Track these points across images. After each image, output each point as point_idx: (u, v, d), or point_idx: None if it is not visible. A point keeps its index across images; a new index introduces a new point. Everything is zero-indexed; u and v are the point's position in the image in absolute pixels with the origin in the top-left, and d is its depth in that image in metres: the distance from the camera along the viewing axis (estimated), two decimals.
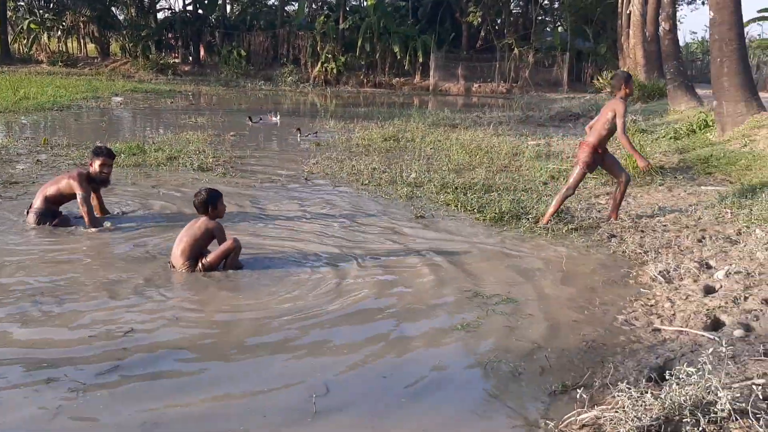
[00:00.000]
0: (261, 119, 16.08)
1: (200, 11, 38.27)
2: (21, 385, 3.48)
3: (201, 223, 5.51)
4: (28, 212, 6.43)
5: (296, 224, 6.89)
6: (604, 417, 3.18)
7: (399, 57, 33.97)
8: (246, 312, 4.62)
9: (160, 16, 40.52)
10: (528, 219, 7.15)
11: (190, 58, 38.20)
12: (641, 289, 5.19)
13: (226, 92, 27.14)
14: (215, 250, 5.45)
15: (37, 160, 9.77)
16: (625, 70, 24.99)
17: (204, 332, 4.26)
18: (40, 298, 4.62)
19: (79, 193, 6.32)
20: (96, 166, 6.52)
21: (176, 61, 37.80)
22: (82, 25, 38.12)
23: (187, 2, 39.54)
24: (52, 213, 6.41)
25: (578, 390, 3.41)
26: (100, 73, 33.44)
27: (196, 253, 5.42)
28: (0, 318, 4.30)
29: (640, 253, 6.07)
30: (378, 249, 6.12)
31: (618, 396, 3.32)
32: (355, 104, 24.26)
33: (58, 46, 39.26)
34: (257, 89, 29.49)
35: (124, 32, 37.79)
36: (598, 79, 27.13)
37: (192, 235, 5.42)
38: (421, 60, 33.90)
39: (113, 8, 39.32)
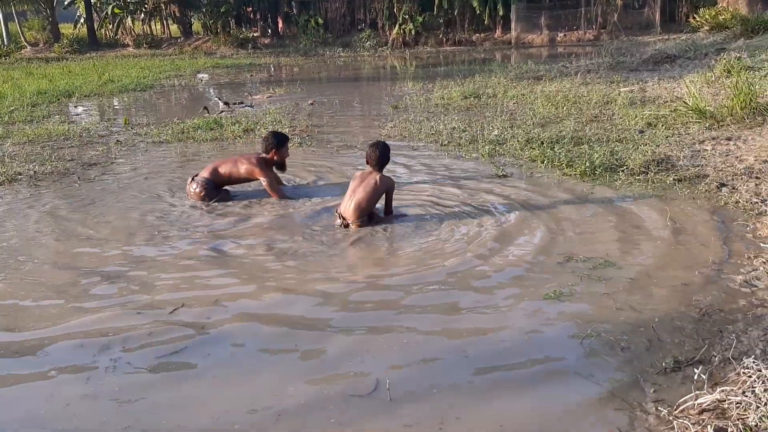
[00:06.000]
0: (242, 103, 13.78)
1: None
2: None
3: (376, 178, 5.39)
4: (192, 180, 6.37)
5: None
6: (729, 400, 2.68)
7: (478, 12, 32.78)
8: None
9: None
10: (624, 171, 6.52)
11: (269, 31, 38.25)
12: (761, 244, 4.55)
13: (305, 62, 26.88)
14: (388, 203, 5.56)
15: (117, 140, 9.80)
16: (723, 4, 23.14)
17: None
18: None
19: (264, 179, 6.28)
20: (284, 152, 6.43)
21: (255, 34, 37.94)
22: (164, 7, 38.74)
23: None
24: (216, 187, 6.37)
25: (695, 368, 2.90)
26: (183, 52, 33.98)
27: (370, 208, 5.38)
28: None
29: (757, 202, 5.37)
30: (455, 211, 5.67)
31: (744, 374, 2.82)
32: (435, 64, 23.52)
33: (143, 28, 40.19)
34: (336, 56, 29.13)
35: (204, 10, 38.18)
36: (694, 17, 25.25)
37: (367, 189, 5.33)
38: (501, 13, 32.53)
39: None
